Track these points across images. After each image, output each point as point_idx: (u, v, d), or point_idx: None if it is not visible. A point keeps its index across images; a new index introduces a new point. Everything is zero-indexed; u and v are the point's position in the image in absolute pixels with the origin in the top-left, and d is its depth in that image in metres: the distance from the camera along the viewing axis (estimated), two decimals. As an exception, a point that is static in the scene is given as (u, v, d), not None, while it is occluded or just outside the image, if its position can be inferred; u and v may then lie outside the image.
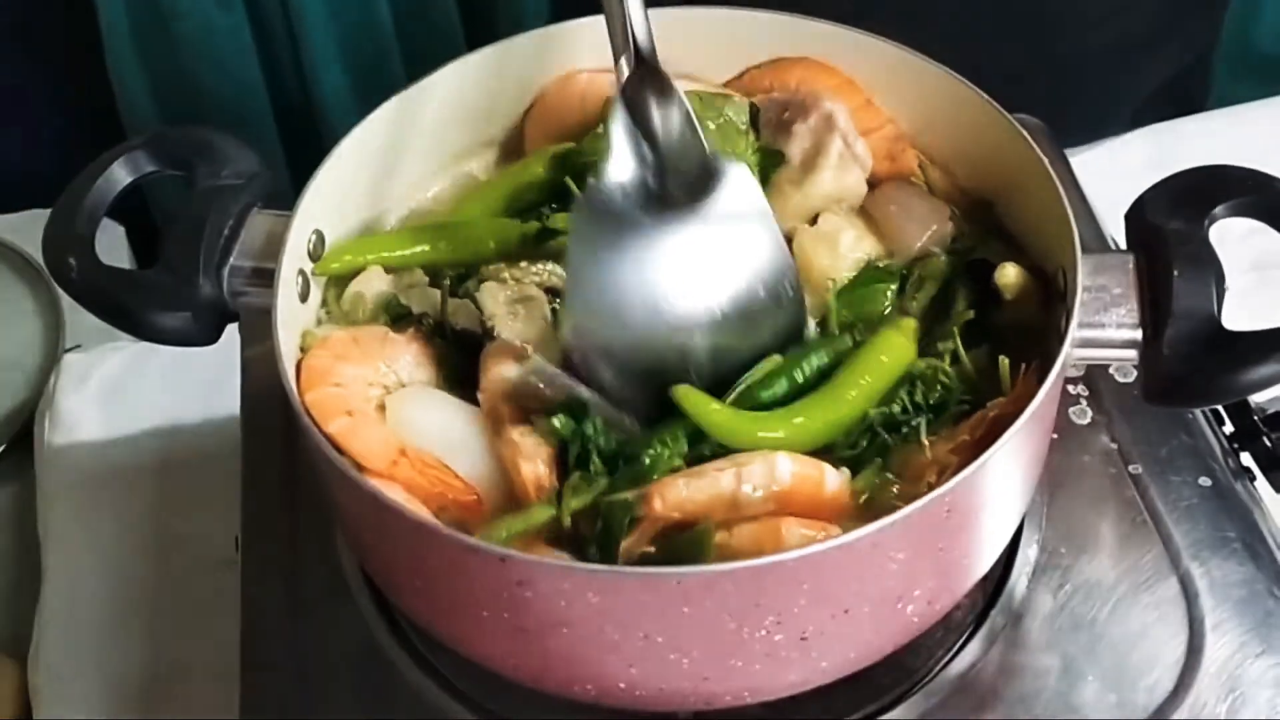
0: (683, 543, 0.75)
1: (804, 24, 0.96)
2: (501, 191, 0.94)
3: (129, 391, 1.26)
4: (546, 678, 0.78)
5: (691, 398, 0.77)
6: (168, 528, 1.15)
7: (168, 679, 1.06)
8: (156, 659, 1.07)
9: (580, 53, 0.97)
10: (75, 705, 1.06)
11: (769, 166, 0.93)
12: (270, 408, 1.01)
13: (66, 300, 1.37)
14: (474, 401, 0.83)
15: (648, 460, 0.77)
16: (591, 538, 0.76)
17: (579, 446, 0.77)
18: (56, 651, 1.09)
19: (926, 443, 0.79)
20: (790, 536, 0.74)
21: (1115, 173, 1.25)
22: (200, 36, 1.61)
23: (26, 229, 1.46)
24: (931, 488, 0.71)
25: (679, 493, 0.76)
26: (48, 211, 1.43)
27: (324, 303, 0.89)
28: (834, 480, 0.77)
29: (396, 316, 0.87)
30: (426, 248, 0.90)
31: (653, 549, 0.75)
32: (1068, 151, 1.20)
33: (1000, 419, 0.77)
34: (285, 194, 0.87)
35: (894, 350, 0.83)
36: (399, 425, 0.80)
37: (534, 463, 0.78)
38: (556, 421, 0.78)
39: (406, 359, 0.85)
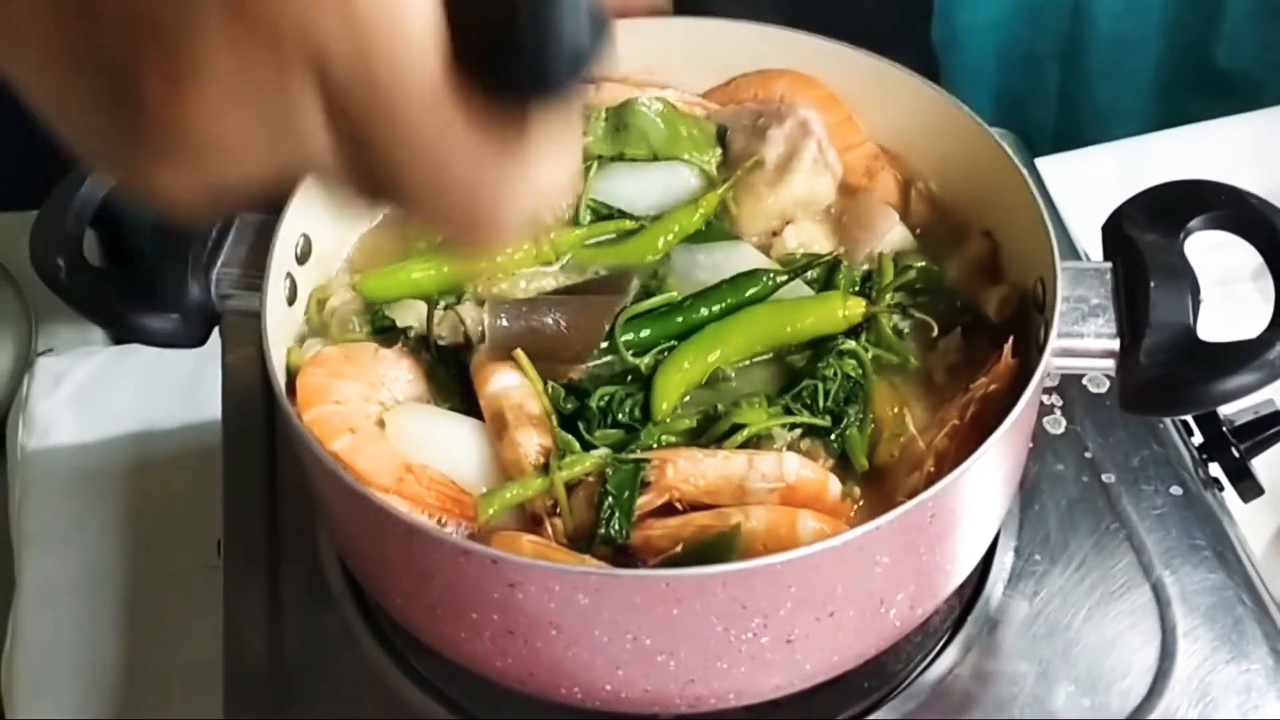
0: (709, 543, 0.76)
1: (786, 35, 0.98)
2: None
3: (102, 395, 1.26)
4: (533, 680, 0.78)
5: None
6: (143, 530, 1.15)
7: (146, 684, 1.05)
8: (133, 663, 1.07)
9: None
10: (49, 711, 1.05)
11: (735, 184, 0.95)
12: (251, 412, 1.01)
13: (38, 303, 1.37)
14: (464, 414, 0.84)
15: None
16: (608, 494, 0.77)
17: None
18: (31, 656, 1.08)
19: (915, 432, 0.81)
20: (804, 528, 0.76)
21: (1083, 184, 1.27)
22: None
23: (-6, 232, 1.45)
24: (930, 475, 0.72)
25: (690, 465, 0.77)
26: (14, 215, 1.43)
27: (305, 311, 0.90)
28: (836, 489, 0.80)
29: (378, 329, 0.87)
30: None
31: (679, 550, 0.76)
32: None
33: (989, 397, 0.79)
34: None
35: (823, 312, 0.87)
36: (401, 442, 0.81)
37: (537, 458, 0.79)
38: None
39: (398, 374, 0.85)
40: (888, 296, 0.88)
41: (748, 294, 0.88)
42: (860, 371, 0.85)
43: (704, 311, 0.87)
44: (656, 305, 0.87)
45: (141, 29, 0.42)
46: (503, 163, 0.45)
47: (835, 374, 0.84)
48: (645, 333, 0.86)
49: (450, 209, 0.46)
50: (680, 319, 0.86)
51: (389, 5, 0.42)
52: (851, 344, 0.85)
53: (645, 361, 0.84)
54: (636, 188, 0.96)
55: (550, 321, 0.84)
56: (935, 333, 0.87)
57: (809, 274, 0.90)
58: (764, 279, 0.88)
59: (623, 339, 0.84)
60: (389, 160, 0.44)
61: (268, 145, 0.44)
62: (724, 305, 0.87)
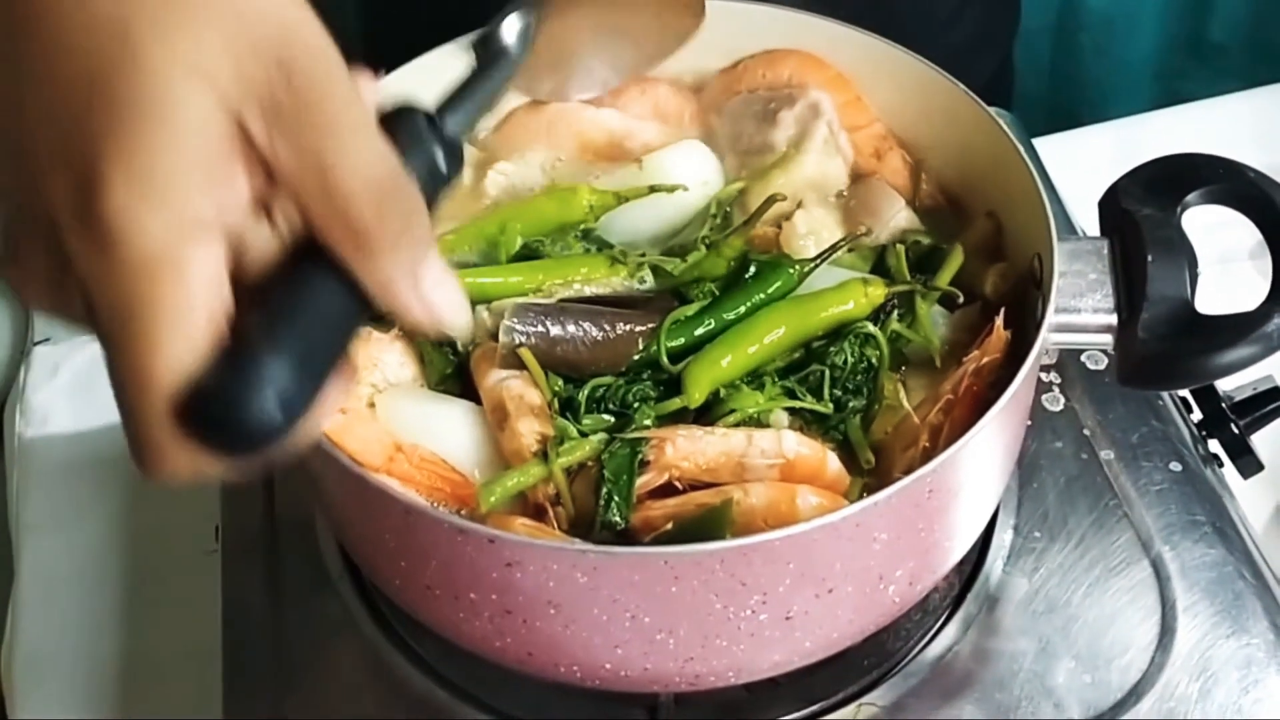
0: (701, 520, 0.76)
1: (789, 16, 0.98)
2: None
3: (100, 383, 1.23)
4: (532, 659, 0.78)
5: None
6: (142, 519, 1.15)
7: (146, 672, 1.05)
8: (134, 652, 1.06)
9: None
10: (51, 700, 1.05)
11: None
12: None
13: (34, 294, 1.36)
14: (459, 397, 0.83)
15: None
16: (605, 481, 0.77)
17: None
18: (31, 645, 1.08)
19: (910, 409, 0.80)
20: (804, 503, 0.76)
21: (1080, 164, 1.27)
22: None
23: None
24: (925, 450, 0.72)
25: (689, 443, 0.77)
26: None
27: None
28: (834, 465, 0.80)
29: (373, 316, 0.87)
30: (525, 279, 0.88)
31: (670, 527, 0.76)
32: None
33: (982, 371, 0.79)
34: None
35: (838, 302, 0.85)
36: (393, 423, 0.81)
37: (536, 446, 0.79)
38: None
39: (390, 357, 0.85)
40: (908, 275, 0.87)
41: (773, 288, 0.85)
42: (878, 356, 0.83)
43: (733, 312, 0.84)
44: (695, 311, 0.84)
45: None
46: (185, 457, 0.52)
47: (845, 361, 0.83)
48: (679, 340, 0.83)
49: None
50: (711, 321, 0.84)
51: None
52: (872, 328, 0.83)
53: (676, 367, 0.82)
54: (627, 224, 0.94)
55: (576, 335, 0.82)
56: (961, 300, 0.86)
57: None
58: (788, 272, 0.86)
59: (667, 345, 0.82)
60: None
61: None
62: (750, 304, 0.84)
